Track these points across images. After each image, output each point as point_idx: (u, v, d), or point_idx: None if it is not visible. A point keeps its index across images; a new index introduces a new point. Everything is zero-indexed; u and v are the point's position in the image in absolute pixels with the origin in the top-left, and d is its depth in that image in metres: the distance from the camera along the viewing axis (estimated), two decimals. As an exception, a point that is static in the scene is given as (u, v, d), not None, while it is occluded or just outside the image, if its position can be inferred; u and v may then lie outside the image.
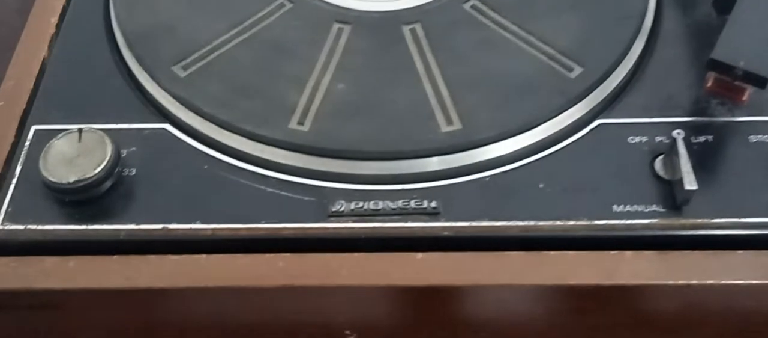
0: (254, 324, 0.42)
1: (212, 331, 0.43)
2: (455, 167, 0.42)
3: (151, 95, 0.46)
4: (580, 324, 0.42)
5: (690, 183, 0.39)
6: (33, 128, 0.45)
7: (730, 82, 0.42)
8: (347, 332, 0.42)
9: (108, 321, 0.42)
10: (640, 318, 0.41)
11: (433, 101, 0.44)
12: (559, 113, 0.44)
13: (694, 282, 0.39)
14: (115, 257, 0.40)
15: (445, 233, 0.40)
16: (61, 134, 0.42)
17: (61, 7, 0.51)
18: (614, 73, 0.46)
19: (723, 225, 0.40)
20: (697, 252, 0.39)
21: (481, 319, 0.42)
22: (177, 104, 0.45)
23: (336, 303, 0.41)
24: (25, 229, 0.41)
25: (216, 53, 0.47)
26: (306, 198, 0.41)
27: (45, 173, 0.41)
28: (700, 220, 0.40)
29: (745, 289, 0.39)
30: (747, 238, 0.40)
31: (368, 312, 0.42)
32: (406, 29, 0.48)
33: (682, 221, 0.40)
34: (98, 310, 0.41)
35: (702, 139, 0.43)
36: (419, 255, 0.39)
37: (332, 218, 0.41)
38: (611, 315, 0.41)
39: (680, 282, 0.39)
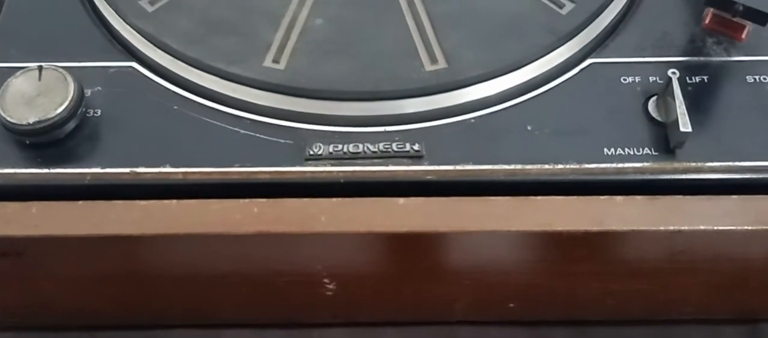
0: (228, 273, 0.41)
1: (183, 280, 0.41)
2: (439, 108, 0.40)
3: (116, 31, 0.44)
4: (568, 272, 0.41)
5: (684, 125, 0.38)
6: (-11, 66, 0.43)
7: (728, 19, 0.41)
8: (326, 281, 0.41)
9: (74, 270, 0.40)
10: (629, 264, 0.40)
11: (416, 38, 0.42)
12: (549, 52, 0.42)
13: (685, 227, 0.37)
14: (80, 202, 0.38)
15: (429, 177, 0.39)
16: (19, 72, 0.40)
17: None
18: (607, 10, 0.44)
19: (717, 169, 0.39)
20: (689, 197, 0.38)
21: (465, 266, 0.41)
22: (144, 40, 0.43)
23: (314, 250, 0.39)
24: (-17, 173, 0.39)
25: (186, -14, 0.45)
26: (282, 141, 0.40)
27: (3, 114, 0.39)
28: (693, 164, 0.39)
29: (737, 235, 0.38)
30: (741, 182, 0.39)
31: (348, 260, 0.40)
32: (388, -39, 0.46)
33: (675, 164, 0.39)
34: (63, 258, 0.39)
35: (697, 79, 0.42)
36: (401, 200, 0.38)
37: (310, 162, 0.39)
38: (600, 262, 0.40)
39: (671, 227, 0.37)
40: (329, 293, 0.42)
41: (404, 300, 0.44)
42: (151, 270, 0.41)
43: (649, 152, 0.39)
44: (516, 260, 0.40)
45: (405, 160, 0.39)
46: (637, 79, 0.42)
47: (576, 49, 0.43)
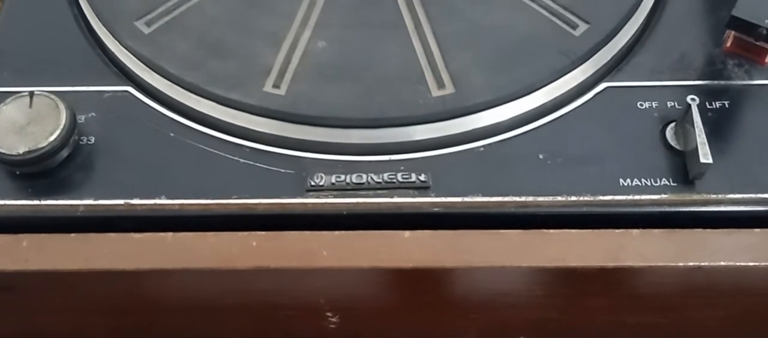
0: (226, 308, 0.40)
1: (180, 313, 0.40)
2: (447, 136, 0.39)
3: (112, 54, 0.43)
4: (582, 307, 0.40)
5: (705, 156, 0.37)
6: (-21, 92, 0.42)
7: (751, 43, 0.40)
8: (329, 314, 0.40)
9: (67, 303, 0.39)
10: (646, 299, 0.39)
11: (423, 61, 0.41)
12: (562, 76, 0.41)
13: (705, 263, 0.36)
14: (72, 235, 0.37)
15: (435, 209, 0.38)
16: (9, 99, 0.39)
17: (12, -46, 0.48)
18: (622, 31, 0.43)
19: (739, 201, 0.38)
20: (709, 231, 0.37)
21: (473, 302, 0.39)
22: (140, 64, 0.42)
23: (316, 285, 0.38)
24: (-28, 205, 0.38)
25: (183, 7, 0.44)
26: (282, 170, 0.39)
27: (-8, 143, 0.38)
28: (713, 195, 0.38)
29: (759, 270, 0.37)
30: (764, 215, 0.38)
31: (351, 294, 0.39)
32: (394, -20, 0.45)
33: (695, 196, 0.38)
34: (56, 293, 0.39)
35: (717, 104, 0.41)
36: (407, 233, 0.37)
37: (311, 193, 0.38)
38: (615, 297, 0.39)
39: (690, 263, 0.36)
40: (332, 326, 0.41)
41: (410, 333, 0.42)
42: (147, 303, 0.40)
43: (667, 182, 0.38)
44: (527, 294, 0.39)
45: (410, 191, 0.38)
46: (655, 104, 0.40)
47: (590, 73, 0.41)
